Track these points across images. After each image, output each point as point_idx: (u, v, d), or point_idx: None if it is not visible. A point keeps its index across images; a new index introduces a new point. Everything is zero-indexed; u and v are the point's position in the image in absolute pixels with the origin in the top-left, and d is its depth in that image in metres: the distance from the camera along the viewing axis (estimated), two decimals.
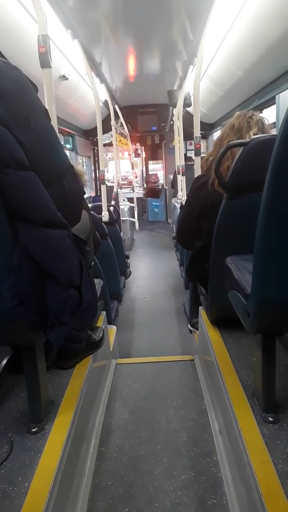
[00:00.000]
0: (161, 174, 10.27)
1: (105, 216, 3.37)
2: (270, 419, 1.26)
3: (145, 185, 10.43)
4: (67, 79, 3.90)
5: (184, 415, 1.79)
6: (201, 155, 2.91)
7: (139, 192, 9.69)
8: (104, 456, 1.56)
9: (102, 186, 3.57)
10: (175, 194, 6.96)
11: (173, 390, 2.02)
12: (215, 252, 1.67)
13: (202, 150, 3.15)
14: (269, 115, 3.84)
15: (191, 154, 8.06)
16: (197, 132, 3.00)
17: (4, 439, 1.25)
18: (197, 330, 2.35)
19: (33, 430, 1.27)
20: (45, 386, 1.34)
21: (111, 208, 3.65)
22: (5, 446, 1.22)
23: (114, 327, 2.59)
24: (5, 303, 1.01)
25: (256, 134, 1.62)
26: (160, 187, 9.95)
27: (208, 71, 4.30)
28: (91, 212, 2.15)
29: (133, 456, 1.56)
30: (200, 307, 2.20)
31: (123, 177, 7.85)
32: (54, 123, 1.62)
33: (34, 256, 1.04)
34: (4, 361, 1.53)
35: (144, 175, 10.68)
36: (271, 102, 3.82)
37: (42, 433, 1.27)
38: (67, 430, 1.27)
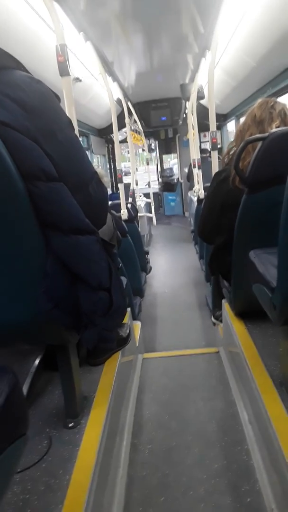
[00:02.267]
0: (175, 168, 10.24)
1: (124, 214, 3.41)
2: None
3: (160, 180, 10.42)
4: (80, 81, 3.94)
5: (213, 406, 1.82)
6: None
7: (154, 187, 9.69)
8: (137, 448, 1.61)
9: (119, 184, 3.61)
10: (191, 187, 6.95)
11: (200, 382, 2.06)
12: (237, 246, 1.69)
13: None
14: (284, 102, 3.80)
15: (205, 146, 8.03)
16: (213, 126, 3.00)
17: (43, 434, 1.31)
18: (221, 322, 2.38)
19: (70, 425, 1.33)
20: (78, 382, 1.39)
21: (129, 205, 3.69)
22: (45, 441, 1.28)
23: (139, 323, 2.64)
24: (42, 306, 1.06)
25: (278, 127, 1.61)
26: (175, 181, 9.93)
27: (220, 63, 4.28)
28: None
29: (165, 447, 1.60)
30: (223, 300, 2.22)
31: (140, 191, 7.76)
32: (75, 128, 1.67)
33: (65, 262, 1.09)
34: (37, 360, 1.59)
35: (159, 169, 10.66)
36: (285, 90, 3.78)
37: (79, 427, 1.32)
38: (102, 424, 1.32)
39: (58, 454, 1.22)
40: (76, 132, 1.48)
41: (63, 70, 1.91)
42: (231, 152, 1.79)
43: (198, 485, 1.40)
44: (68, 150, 1.06)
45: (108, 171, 8.09)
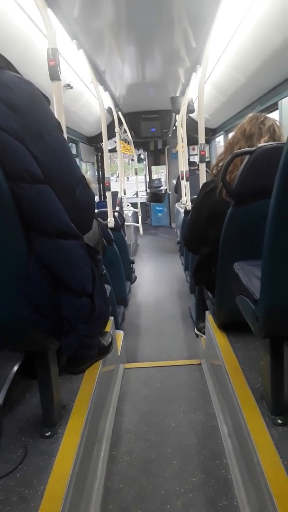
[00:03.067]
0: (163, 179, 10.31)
1: (110, 222, 3.41)
2: (279, 421, 1.28)
3: (148, 190, 10.47)
4: (72, 87, 3.96)
5: (192, 419, 1.81)
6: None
7: (142, 197, 9.72)
8: (115, 459, 1.58)
9: (107, 192, 3.61)
10: (178, 199, 7.00)
11: (181, 394, 2.04)
12: (222, 257, 1.70)
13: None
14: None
15: (194, 158, 8.11)
16: (201, 139, 3.04)
17: (18, 443, 1.28)
18: (204, 334, 2.37)
19: (47, 434, 1.30)
20: (57, 390, 1.36)
21: (116, 214, 3.68)
22: (20, 450, 1.24)
23: (122, 332, 2.62)
24: (21, 310, 1.04)
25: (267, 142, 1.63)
26: (163, 192, 9.99)
27: (210, 78, 4.35)
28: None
29: (143, 459, 1.58)
30: (206, 312, 2.22)
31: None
32: (64, 133, 1.67)
33: (48, 266, 1.07)
34: (16, 367, 1.56)
35: (148, 180, 10.72)
36: (273, 107, 3.85)
37: (56, 437, 1.29)
38: (79, 434, 1.30)
39: (33, 463, 1.19)
40: (65, 137, 1.48)
41: (54, 75, 1.90)
42: (220, 164, 1.81)
43: (175, 499, 1.38)
44: (55, 153, 1.05)
45: (97, 178, 8.10)
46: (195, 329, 2.67)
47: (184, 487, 1.42)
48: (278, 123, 1.73)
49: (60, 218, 1.05)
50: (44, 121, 1.04)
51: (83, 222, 1.17)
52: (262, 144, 1.52)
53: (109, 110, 5.15)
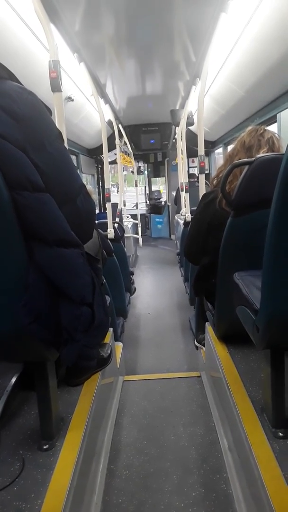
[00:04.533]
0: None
1: (110, 233, 3.41)
2: (280, 434, 1.26)
3: (148, 202, 10.52)
4: (72, 100, 4.00)
5: (192, 432, 1.79)
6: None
7: (142, 209, 9.76)
8: (114, 473, 1.56)
9: (107, 203, 3.62)
10: (178, 211, 7.02)
11: (181, 407, 2.02)
12: (222, 268, 1.69)
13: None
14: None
15: (193, 171, 8.16)
16: (201, 151, 3.06)
17: (16, 456, 1.25)
18: (204, 346, 2.36)
19: (44, 447, 1.28)
20: (56, 403, 1.34)
21: (116, 225, 3.69)
22: (17, 463, 1.22)
23: (121, 344, 2.60)
24: (20, 320, 1.03)
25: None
26: (162, 204, 10.03)
27: (210, 91, 4.40)
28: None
29: (142, 473, 1.55)
30: (206, 323, 2.21)
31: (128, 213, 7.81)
32: (65, 144, 1.68)
33: (48, 274, 1.07)
34: (14, 379, 1.54)
35: (147, 191, 10.77)
36: (272, 120, 3.89)
37: (53, 450, 1.27)
38: (78, 447, 1.28)
39: (30, 477, 1.17)
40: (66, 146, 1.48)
41: (55, 86, 1.93)
42: (220, 175, 1.82)
43: None
44: (57, 162, 1.06)
45: (97, 190, 8.14)
46: (195, 341, 2.65)
47: (184, 502, 1.40)
48: (277, 135, 1.75)
49: (60, 226, 1.05)
50: (46, 130, 1.05)
51: (83, 230, 1.17)
52: (261, 154, 1.52)
53: (110, 123, 5.20)
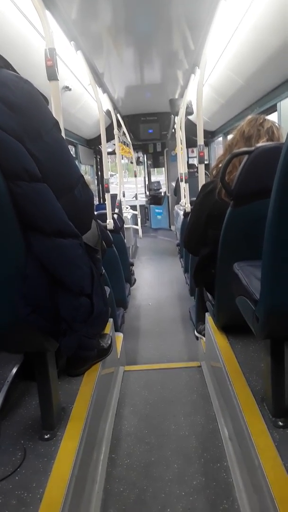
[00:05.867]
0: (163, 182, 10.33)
1: (109, 224, 3.40)
2: (280, 423, 1.27)
3: (147, 193, 10.48)
4: (70, 89, 3.96)
5: (193, 421, 1.80)
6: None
7: (141, 200, 9.73)
8: (115, 462, 1.57)
9: (106, 194, 3.60)
10: (177, 201, 7.00)
11: (181, 396, 2.03)
12: (221, 258, 1.69)
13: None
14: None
15: (193, 161, 8.12)
16: (200, 140, 3.04)
17: (17, 446, 1.26)
18: (204, 336, 2.36)
19: (46, 437, 1.28)
20: (56, 393, 1.35)
21: (115, 216, 3.68)
22: (19, 453, 1.23)
23: (121, 334, 2.61)
24: (19, 311, 1.03)
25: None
26: (162, 194, 9.99)
27: (209, 80, 4.36)
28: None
29: (143, 462, 1.56)
30: (206, 313, 2.21)
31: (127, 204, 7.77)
32: (62, 133, 1.67)
33: (46, 265, 1.06)
34: (15, 369, 1.55)
35: (147, 182, 10.73)
36: (272, 109, 3.86)
37: (55, 439, 1.28)
38: (79, 436, 1.29)
39: (32, 466, 1.18)
40: (63, 136, 1.47)
41: (52, 75, 1.90)
42: (220, 165, 1.80)
43: (176, 502, 1.36)
44: (53, 152, 1.05)
45: (96, 181, 8.11)
46: (195, 331, 2.66)
47: (184, 491, 1.41)
48: (277, 125, 1.73)
49: (58, 217, 1.05)
50: (42, 119, 1.04)
51: (81, 221, 1.16)
52: (260, 144, 1.51)
53: (108, 113, 5.16)
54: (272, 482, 1.07)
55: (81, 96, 4.59)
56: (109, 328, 2.07)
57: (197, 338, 2.65)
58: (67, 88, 3.90)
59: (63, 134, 1.84)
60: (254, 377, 1.55)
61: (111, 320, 2.21)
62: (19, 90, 0.98)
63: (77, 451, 1.23)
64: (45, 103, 1.06)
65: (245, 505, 1.29)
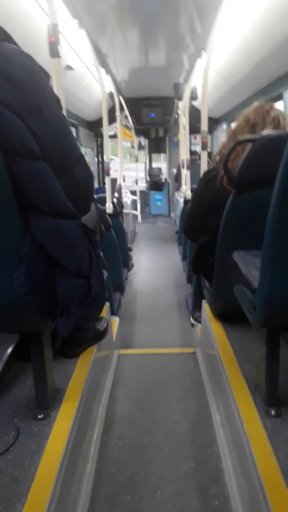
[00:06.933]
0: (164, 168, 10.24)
1: (109, 207, 3.38)
2: (273, 412, 1.28)
3: (148, 178, 10.40)
4: (72, 69, 3.89)
5: (185, 407, 1.81)
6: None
7: (142, 186, 9.66)
8: (107, 444, 1.58)
9: (106, 177, 3.57)
10: (178, 188, 6.96)
11: (175, 382, 2.04)
12: (221, 246, 1.68)
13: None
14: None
15: (195, 148, 8.04)
16: (204, 126, 3.00)
17: (10, 425, 1.27)
18: (199, 323, 2.37)
19: (39, 416, 1.29)
20: (51, 373, 1.35)
21: (115, 200, 3.65)
22: (12, 432, 1.24)
23: (117, 318, 2.61)
24: (16, 291, 1.02)
25: None
26: (163, 181, 9.92)
27: (215, 65, 4.28)
28: None
29: (135, 445, 1.58)
30: (203, 301, 2.22)
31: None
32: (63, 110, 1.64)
33: (44, 246, 1.05)
34: (10, 349, 1.55)
35: (147, 168, 10.64)
36: (277, 98, 3.81)
37: (48, 419, 1.29)
38: (72, 417, 1.29)
39: (25, 445, 1.18)
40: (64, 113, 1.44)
41: (54, 51, 1.86)
42: (223, 152, 1.78)
43: (166, 486, 1.38)
44: (54, 129, 1.02)
45: (96, 164, 8.04)
46: (191, 318, 2.67)
47: (175, 474, 1.43)
48: (283, 114, 1.70)
49: (57, 196, 1.03)
50: (43, 95, 1.01)
51: (81, 202, 1.15)
52: (266, 132, 1.49)
53: (110, 95, 5.09)
54: (263, 470, 1.08)
55: (83, 77, 4.52)
56: (105, 311, 2.07)
57: (192, 325, 2.66)
58: (69, 68, 3.83)
59: (64, 113, 1.81)
60: (248, 366, 1.56)
61: (107, 303, 2.21)
62: (19, 64, 0.96)
63: (70, 432, 1.24)
64: (46, 79, 1.04)
65: (234, 491, 1.31)
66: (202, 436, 1.61)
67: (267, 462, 1.11)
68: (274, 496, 1.01)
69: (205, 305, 2.15)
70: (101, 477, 1.43)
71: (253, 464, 1.13)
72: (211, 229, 1.74)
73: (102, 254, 2.19)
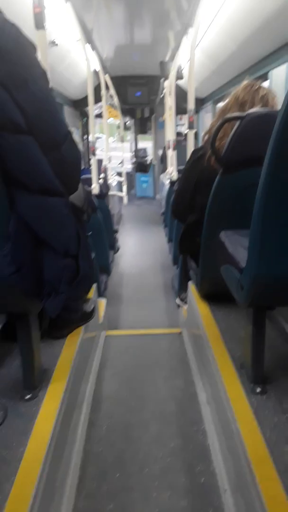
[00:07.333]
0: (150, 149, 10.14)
1: (94, 189, 3.34)
2: (258, 389, 1.30)
3: (134, 159, 10.30)
4: (56, 45, 3.78)
5: (172, 385, 1.83)
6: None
7: (128, 167, 9.57)
8: (95, 424, 1.59)
9: (92, 158, 3.52)
10: (163, 170, 6.91)
11: (161, 361, 2.06)
12: (207, 226, 1.67)
13: None
14: None
15: (181, 129, 7.96)
16: (191, 104, 2.96)
17: None
18: (185, 304, 2.38)
19: (27, 397, 1.29)
20: (38, 354, 1.35)
21: (101, 181, 3.61)
22: (0, 412, 1.23)
23: (104, 299, 2.61)
24: (2, 270, 1.00)
25: None
26: (148, 162, 9.83)
27: (201, 44, 4.21)
28: None
29: (123, 424, 1.59)
30: (189, 282, 2.22)
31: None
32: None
33: (30, 224, 1.03)
34: None
35: (133, 148, 10.52)
36: (263, 78, 3.77)
37: (36, 400, 1.28)
38: (60, 397, 1.29)
39: (13, 426, 1.18)
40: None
41: (39, 23, 1.80)
42: (212, 130, 1.76)
43: (153, 463, 1.40)
44: (40, 103, 0.99)
45: (82, 144, 7.91)
46: (177, 299, 2.68)
47: (162, 452, 1.45)
48: (273, 92, 1.68)
49: (43, 173, 1.00)
50: (29, 66, 0.97)
51: (68, 180, 1.12)
52: (253, 110, 1.47)
53: (96, 73, 4.98)
54: (249, 446, 1.10)
55: (68, 53, 4.39)
56: (92, 292, 2.06)
57: (178, 306, 2.67)
58: (53, 44, 3.71)
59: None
60: (234, 345, 1.58)
61: (94, 285, 2.20)
62: (5, 33, 0.92)
63: (58, 412, 1.24)
64: (33, 50, 1.00)
65: (221, 468, 1.33)
66: (188, 414, 1.63)
67: (253, 438, 1.13)
68: (260, 472, 1.03)
69: (191, 286, 2.16)
70: (89, 455, 1.44)
71: (239, 441, 1.15)
72: (198, 209, 1.73)
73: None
